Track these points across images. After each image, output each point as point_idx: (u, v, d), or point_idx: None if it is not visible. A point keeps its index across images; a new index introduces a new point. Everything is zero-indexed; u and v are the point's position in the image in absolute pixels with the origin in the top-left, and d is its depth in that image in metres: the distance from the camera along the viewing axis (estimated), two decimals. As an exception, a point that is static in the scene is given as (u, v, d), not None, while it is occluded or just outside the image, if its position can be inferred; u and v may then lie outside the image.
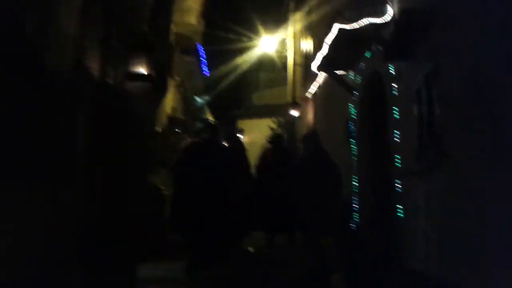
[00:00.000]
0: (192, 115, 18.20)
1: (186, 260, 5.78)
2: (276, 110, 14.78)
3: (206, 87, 22.27)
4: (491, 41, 3.29)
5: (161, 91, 8.31)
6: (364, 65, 6.59)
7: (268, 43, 14.99)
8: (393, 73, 5.45)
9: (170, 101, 14.63)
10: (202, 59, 19.57)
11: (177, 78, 15.93)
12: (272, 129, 12.78)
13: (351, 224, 6.80)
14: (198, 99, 22.72)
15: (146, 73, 4.92)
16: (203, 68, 20.46)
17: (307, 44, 11.77)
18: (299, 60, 12.95)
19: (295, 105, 11.83)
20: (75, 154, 4.17)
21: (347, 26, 5.49)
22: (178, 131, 13.56)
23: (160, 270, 5.76)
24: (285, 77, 15.17)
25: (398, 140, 5.33)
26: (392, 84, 5.46)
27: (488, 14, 3.36)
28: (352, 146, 7.09)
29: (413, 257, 4.67)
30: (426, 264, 4.27)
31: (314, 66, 7.23)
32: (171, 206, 5.96)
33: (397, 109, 5.36)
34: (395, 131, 5.35)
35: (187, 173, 5.46)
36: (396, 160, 5.32)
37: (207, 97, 23.08)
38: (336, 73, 7.30)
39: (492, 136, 3.25)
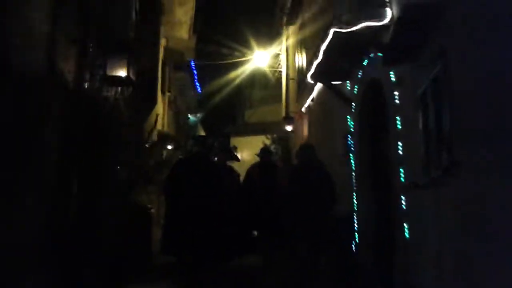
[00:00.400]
0: (185, 132, 17.84)
1: (175, 280, 5.38)
2: (270, 127, 14.46)
3: (199, 104, 21.96)
4: (504, 39, 2.93)
5: (149, 103, 7.90)
6: (361, 73, 6.23)
7: (261, 58, 14.69)
8: (394, 79, 5.09)
9: (161, 117, 14.30)
10: (195, 75, 19.32)
11: (168, 93, 15.62)
12: (264, 144, 12.40)
13: (351, 244, 6.35)
14: (191, 117, 22.41)
15: (125, 76, 4.49)
16: (196, 85, 20.18)
17: (301, 58, 11.48)
18: (293, 74, 12.63)
19: (288, 119, 11.46)
20: (46, 166, 3.72)
21: (342, 30, 5.15)
22: (170, 147, 13.19)
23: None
24: (279, 95, 14.87)
25: (401, 152, 4.94)
26: (394, 91, 5.09)
27: (501, 9, 3.00)
28: (351, 161, 6.69)
29: (422, 281, 4.22)
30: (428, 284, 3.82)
31: (309, 76, 6.89)
32: (162, 226, 5.66)
33: (399, 118, 4.98)
34: (398, 142, 4.96)
35: (175, 189, 5.15)
36: (399, 174, 4.91)
37: (199, 115, 22.76)
38: (332, 83, 6.94)
39: (509, 142, 2.86)
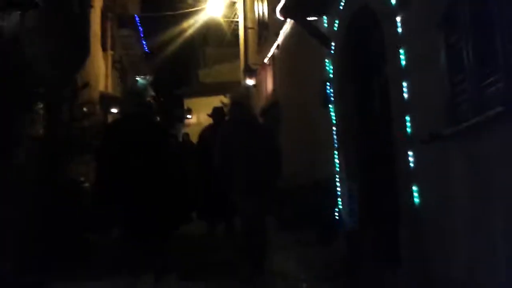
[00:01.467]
0: (131, 95, 16.24)
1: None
2: (229, 86, 13.18)
3: (148, 64, 20.17)
4: None
5: (80, 52, 6.39)
6: (344, 3, 5.02)
7: (215, 7, 13.11)
8: (395, 1, 3.91)
9: (103, 77, 12.78)
10: (141, 31, 17.53)
11: (112, 52, 13.98)
12: (222, 103, 11.14)
13: (334, 213, 5.32)
14: (140, 79, 20.62)
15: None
16: (143, 42, 18.37)
17: (261, 5, 10.13)
18: (252, 24, 11.25)
19: (250, 72, 10.15)
20: None
21: None
22: (116, 111, 11.89)
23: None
24: (236, 52, 13.47)
25: (406, 96, 3.82)
26: (395, 17, 3.92)
27: None
28: (330, 113, 5.56)
29: (438, 262, 3.20)
30: (459, 274, 2.80)
31: (277, 11, 5.62)
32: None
33: (403, 51, 3.83)
34: (402, 82, 3.83)
35: (106, 150, 4.43)
36: (404, 123, 3.81)
37: (149, 77, 20.99)
38: (306, 20, 5.70)
39: None
